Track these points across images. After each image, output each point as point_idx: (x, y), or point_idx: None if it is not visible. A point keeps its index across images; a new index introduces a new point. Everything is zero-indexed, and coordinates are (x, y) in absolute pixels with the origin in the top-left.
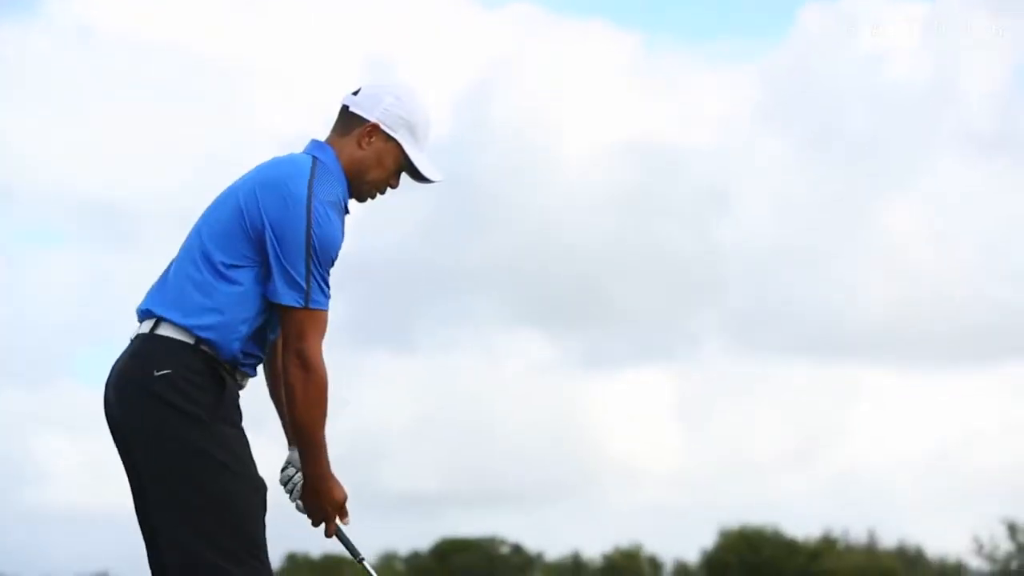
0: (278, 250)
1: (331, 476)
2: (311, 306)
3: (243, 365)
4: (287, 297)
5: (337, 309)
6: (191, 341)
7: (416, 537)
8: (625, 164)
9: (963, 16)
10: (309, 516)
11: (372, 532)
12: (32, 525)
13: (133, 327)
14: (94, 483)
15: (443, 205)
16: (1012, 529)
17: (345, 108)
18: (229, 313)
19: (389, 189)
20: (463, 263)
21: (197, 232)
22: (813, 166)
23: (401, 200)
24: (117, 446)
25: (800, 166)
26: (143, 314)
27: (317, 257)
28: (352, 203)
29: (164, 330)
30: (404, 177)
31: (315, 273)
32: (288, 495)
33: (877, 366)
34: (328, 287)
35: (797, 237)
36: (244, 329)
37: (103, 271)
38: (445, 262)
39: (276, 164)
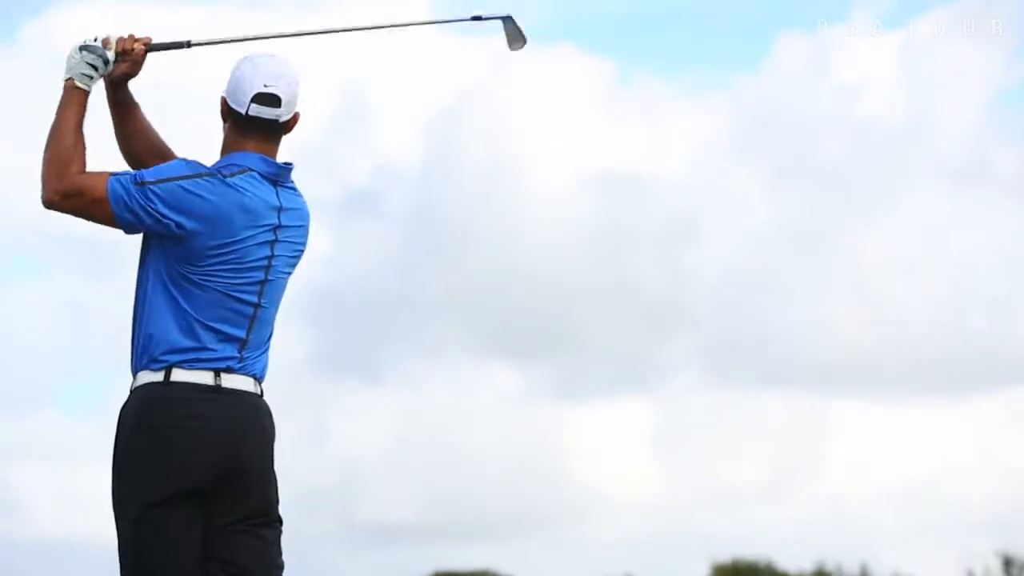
0: None
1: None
2: (113, 175)
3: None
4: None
5: (306, 340)
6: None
7: (397, 570)
8: (597, 193)
9: (939, 48)
10: (122, 57)
11: (355, 566)
12: (11, 558)
13: (113, 356)
14: (76, 515)
15: (411, 235)
16: (1007, 562)
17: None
18: (152, 318)
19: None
20: (432, 294)
21: None
22: (787, 197)
23: (369, 230)
24: None
25: (773, 197)
26: None
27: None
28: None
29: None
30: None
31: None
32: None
33: (851, 397)
34: (137, 181)
35: (770, 268)
36: (166, 318)
37: (83, 302)
38: (414, 293)
39: None
